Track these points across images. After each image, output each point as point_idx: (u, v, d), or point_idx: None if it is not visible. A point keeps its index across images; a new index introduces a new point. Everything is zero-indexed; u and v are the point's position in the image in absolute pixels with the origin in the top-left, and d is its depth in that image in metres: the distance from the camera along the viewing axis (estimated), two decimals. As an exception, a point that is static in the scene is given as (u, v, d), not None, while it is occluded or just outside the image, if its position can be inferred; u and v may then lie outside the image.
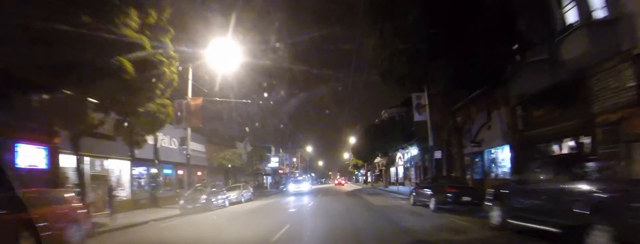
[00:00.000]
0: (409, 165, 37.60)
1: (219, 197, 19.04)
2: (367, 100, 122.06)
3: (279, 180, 52.48)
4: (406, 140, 35.36)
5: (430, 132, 19.52)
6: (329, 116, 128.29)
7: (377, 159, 51.50)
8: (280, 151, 60.39)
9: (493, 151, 19.55)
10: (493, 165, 19.67)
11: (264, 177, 49.11)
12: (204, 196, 17.23)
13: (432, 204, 12.40)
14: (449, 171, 22.72)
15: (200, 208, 16.59)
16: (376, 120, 45.80)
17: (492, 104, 18.93)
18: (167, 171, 23.56)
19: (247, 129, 37.47)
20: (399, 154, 40.51)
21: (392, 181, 44.56)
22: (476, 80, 17.70)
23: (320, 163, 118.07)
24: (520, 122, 17.16)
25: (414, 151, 34.38)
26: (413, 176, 35.90)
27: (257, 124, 36.02)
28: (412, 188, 25.59)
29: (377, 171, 57.57)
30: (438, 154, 19.46)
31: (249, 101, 21.60)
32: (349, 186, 57.60)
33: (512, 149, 17.52)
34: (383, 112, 46.22)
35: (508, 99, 17.88)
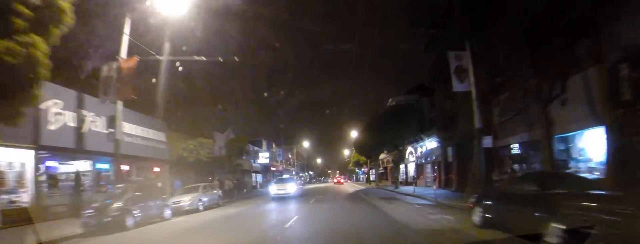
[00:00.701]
0: (423, 161, 31.27)
1: (151, 205, 12.52)
2: (369, 96, 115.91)
3: (270, 179, 46.02)
4: (421, 130, 29.08)
5: (477, 108, 13.21)
6: (328, 107, 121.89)
7: (382, 156, 45.23)
8: (273, 146, 54.08)
9: (568, 136, 13.24)
10: (566, 158, 13.34)
11: (253, 174, 42.76)
12: (118, 205, 10.83)
13: (554, 238, 5.46)
14: (490, 167, 16.38)
15: (112, 224, 10.22)
16: (381, 111, 39.47)
17: (572, 66, 12.53)
18: (103, 166, 17.19)
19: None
20: (409, 149, 34.17)
21: (400, 180, 38.13)
22: (554, 24, 11.47)
23: (319, 161, 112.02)
24: (628, 90, 10.87)
25: (430, 143, 28.07)
26: (429, 174, 29.57)
27: (235, 108, 29.53)
28: (436, 189, 19.29)
29: (381, 168, 51.24)
30: (488, 142, 13.19)
31: (203, 58, 15.19)
32: (350, 186, 51.18)
33: (610, 133, 11.22)
34: (390, 100, 40.02)
35: (603, 54, 11.60)
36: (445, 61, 20.47)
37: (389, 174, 48.20)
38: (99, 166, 17.08)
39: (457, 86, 13.57)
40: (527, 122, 15.12)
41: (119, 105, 14.28)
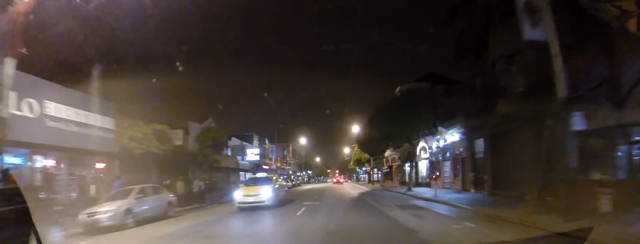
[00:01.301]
0: (441, 158, 26.49)
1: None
2: (371, 91, 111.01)
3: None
4: (438, 120, 24.30)
5: (562, 66, 8.43)
6: (328, 105, 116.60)
7: (388, 152, 40.47)
8: (266, 142, 49.23)
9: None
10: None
11: (241, 173, 37.90)
12: None
13: None
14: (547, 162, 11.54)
15: None
16: (388, 101, 34.58)
17: None
18: (14, 161, 12.40)
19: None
20: (422, 144, 29.28)
21: (408, 180, 33.26)
22: None
23: (318, 160, 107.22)
24: None
25: (451, 136, 23.29)
26: (448, 173, 24.80)
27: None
28: (475, 194, 14.27)
29: (385, 167, 46.47)
30: (580, 120, 8.45)
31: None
32: (351, 187, 46.38)
33: None
34: (398, 88, 35.23)
35: None
36: (478, 26, 15.77)
37: (395, 174, 43.49)
38: (10, 161, 12.22)
39: (529, 32, 8.81)
40: (614, 98, 10.43)
41: (9, 66, 9.48)
